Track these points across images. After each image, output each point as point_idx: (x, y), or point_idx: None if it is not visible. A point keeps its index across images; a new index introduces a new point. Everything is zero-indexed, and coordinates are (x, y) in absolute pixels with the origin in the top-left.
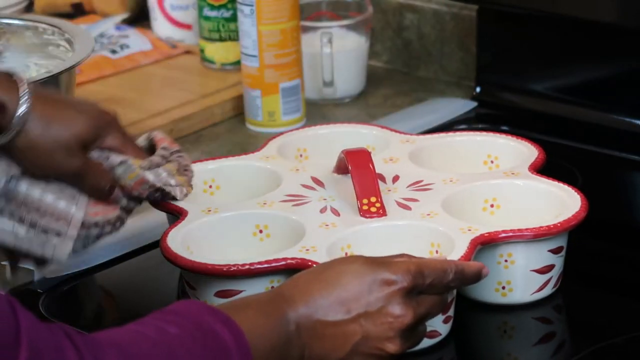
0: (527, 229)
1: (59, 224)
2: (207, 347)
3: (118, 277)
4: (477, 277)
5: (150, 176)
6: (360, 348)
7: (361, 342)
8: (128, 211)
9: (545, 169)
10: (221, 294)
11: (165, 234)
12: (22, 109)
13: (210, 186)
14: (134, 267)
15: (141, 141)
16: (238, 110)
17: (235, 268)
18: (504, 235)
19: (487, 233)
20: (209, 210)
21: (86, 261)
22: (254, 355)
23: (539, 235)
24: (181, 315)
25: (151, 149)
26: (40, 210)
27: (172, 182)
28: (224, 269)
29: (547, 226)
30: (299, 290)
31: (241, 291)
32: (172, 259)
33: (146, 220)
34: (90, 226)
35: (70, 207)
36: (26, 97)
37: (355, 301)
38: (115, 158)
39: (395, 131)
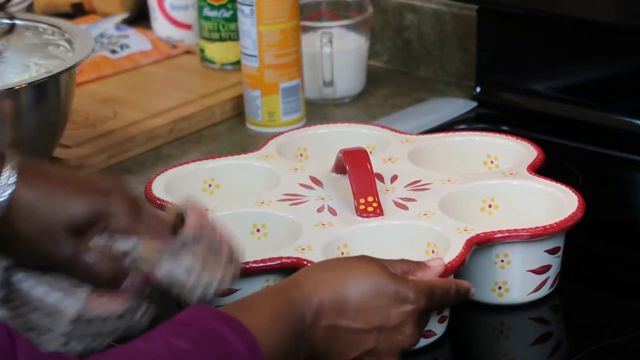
0: (522, 229)
1: (48, 320)
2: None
3: None
4: (466, 296)
5: (162, 271)
6: (365, 357)
7: (369, 352)
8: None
9: (545, 169)
10: (216, 293)
11: None
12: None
13: (210, 185)
14: None
15: (169, 213)
16: (238, 110)
17: None
18: (499, 235)
19: (482, 233)
20: (207, 209)
21: None
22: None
23: (534, 236)
24: (191, 326)
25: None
26: (30, 304)
27: (191, 279)
28: None
29: (543, 226)
30: (319, 293)
31: (237, 290)
32: None
33: None
34: (90, 321)
35: (62, 301)
36: (6, 181)
37: (375, 313)
38: (123, 243)
39: (396, 131)
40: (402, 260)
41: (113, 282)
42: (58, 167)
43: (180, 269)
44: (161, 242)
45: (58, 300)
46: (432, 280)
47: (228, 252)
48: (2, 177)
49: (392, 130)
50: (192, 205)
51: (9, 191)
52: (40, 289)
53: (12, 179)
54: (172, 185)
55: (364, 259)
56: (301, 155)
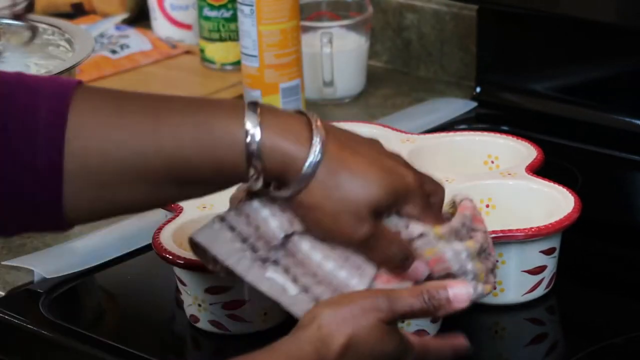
0: (517, 230)
1: (331, 292)
2: None
3: (118, 277)
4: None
5: (449, 253)
6: None
7: None
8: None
9: (545, 169)
10: (211, 291)
11: (159, 230)
12: (311, 162)
13: None
14: (134, 267)
15: (445, 209)
16: None
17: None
18: (493, 235)
19: None
20: (204, 207)
21: (86, 261)
22: None
23: (529, 236)
24: None
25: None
26: (317, 276)
27: (469, 266)
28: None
29: (537, 227)
30: None
31: (230, 287)
32: (162, 255)
33: (145, 220)
34: None
35: (351, 278)
36: (318, 147)
37: None
38: (416, 228)
39: (396, 130)
40: (422, 303)
41: (402, 266)
42: (357, 138)
43: (461, 256)
44: (444, 228)
45: (348, 277)
46: (430, 347)
47: (493, 261)
48: (313, 143)
49: (393, 129)
50: (467, 204)
51: (319, 155)
52: (330, 263)
53: (320, 143)
54: None
55: (381, 329)
56: None
